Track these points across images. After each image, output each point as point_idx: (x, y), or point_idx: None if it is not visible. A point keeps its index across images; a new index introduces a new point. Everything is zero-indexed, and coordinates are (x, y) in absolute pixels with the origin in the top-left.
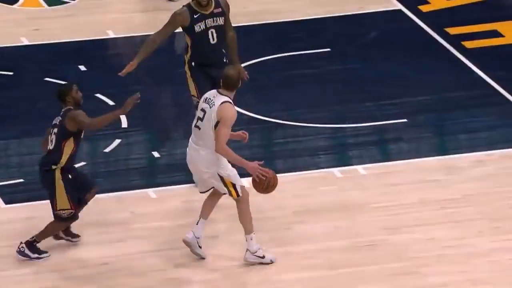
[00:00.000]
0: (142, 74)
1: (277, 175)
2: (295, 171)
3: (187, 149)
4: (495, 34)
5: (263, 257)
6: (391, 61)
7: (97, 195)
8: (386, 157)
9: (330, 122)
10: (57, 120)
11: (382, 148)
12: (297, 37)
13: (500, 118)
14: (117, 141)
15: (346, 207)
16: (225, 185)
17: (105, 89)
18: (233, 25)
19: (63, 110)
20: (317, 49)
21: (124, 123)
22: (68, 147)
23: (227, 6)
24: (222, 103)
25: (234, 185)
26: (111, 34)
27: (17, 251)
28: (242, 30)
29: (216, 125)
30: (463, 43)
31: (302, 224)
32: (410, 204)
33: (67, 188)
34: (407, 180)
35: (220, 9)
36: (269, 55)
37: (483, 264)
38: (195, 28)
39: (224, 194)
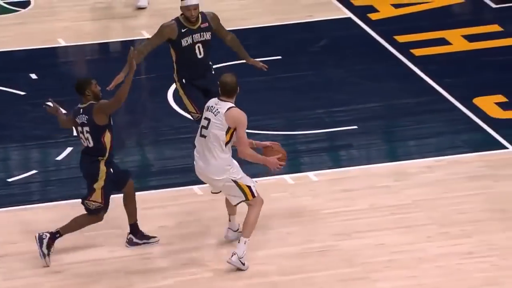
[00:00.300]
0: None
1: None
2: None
3: (194, 162)
4: (443, 42)
5: (243, 264)
6: (342, 68)
7: (50, 203)
8: (337, 163)
9: (282, 129)
10: (83, 119)
11: (333, 154)
12: (249, 44)
13: (448, 124)
14: (69, 149)
15: (298, 213)
16: (240, 188)
17: (56, 97)
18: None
19: (84, 106)
20: (269, 56)
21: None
22: (107, 139)
23: (214, 19)
24: (228, 109)
25: (249, 187)
26: (62, 42)
27: (37, 235)
28: None
29: (227, 131)
30: (411, 50)
31: (254, 230)
32: (360, 210)
33: (106, 183)
34: (358, 186)
35: (207, 24)
36: (222, 63)
37: (431, 269)
38: (182, 42)
39: (237, 204)
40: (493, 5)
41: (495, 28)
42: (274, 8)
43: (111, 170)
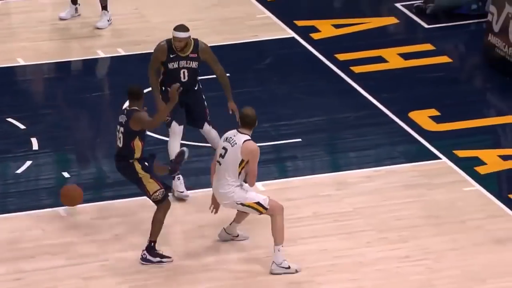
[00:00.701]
0: (52, 98)
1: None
2: (199, 188)
3: (213, 185)
4: (380, 60)
5: (288, 267)
6: (286, 84)
7: (9, 214)
8: (283, 174)
9: None
10: (122, 119)
11: (279, 166)
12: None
13: (386, 137)
14: (28, 163)
15: (246, 221)
16: (250, 207)
17: (16, 113)
18: (135, 52)
19: (128, 108)
20: None
21: (35, 145)
22: (137, 145)
23: (204, 52)
24: (244, 141)
25: (257, 203)
26: (21, 62)
27: (140, 259)
28: (144, 58)
29: (241, 163)
30: (351, 68)
31: (204, 238)
32: (304, 217)
33: (150, 174)
34: (302, 195)
35: (195, 55)
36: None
37: (371, 272)
38: (169, 65)
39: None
40: (426, 26)
41: (428, 47)
42: (221, 28)
43: (146, 163)
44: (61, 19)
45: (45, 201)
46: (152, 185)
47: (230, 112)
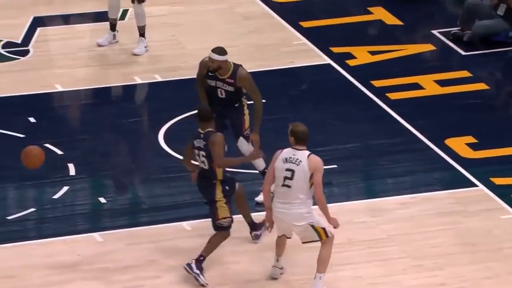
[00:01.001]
0: (89, 123)
1: None
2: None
3: (275, 212)
4: (416, 86)
5: None
6: (320, 110)
7: (46, 239)
8: None
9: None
10: (201, 143)
11: None
12: None
13: (421, 163)
14: (65, 188)
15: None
16: (316, 231)
17: (53, 139)
18: (172, 79)
19: (204, 131)
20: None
21: (72, 171)
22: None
23: (242, 80)
24: (308, 156)
25: (324, 229)
26: (59, 88)
27: (186, 264)
28: (180, 84)
29: (310, 178)
30: (387, 94)
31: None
32: (339, 244)
33: (226, 199)
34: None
35: (232, 81)
36: None
37: None
38: (208, 81)
39: (306, 243)
40: (463, 53)
41: (464, 74)
42: (257, 55)
43: (227, 187)
44: (99, 45)
45: (81, 227)
46: (223, 211)
47: (250, 142)
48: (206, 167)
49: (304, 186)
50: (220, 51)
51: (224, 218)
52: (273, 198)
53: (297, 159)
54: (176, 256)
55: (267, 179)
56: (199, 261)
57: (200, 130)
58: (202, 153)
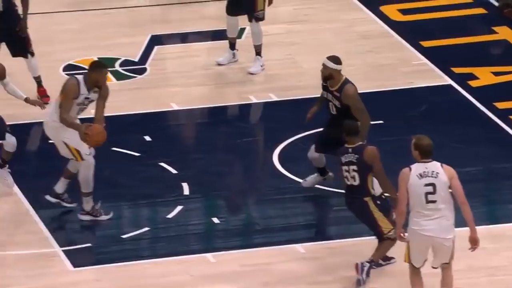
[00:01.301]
0: (204, 143)
1: None
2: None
3: (418, 232)
4: None
5: None
6: (439, 132)
7: (157, 259)
8: None
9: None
10: (351, 157)
11: None
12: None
13: None
14: (179, 208)
15: (388, 270)
16: (450, 248)
17: (168, 157)
18: (287, 98)
19: (353, 146)
20: (371, 121)
21: (186, 190)
22: (370, 179)
23: (348, 97)
24: (441, 165)
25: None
26: (174, 106)
27: (360, 262)
28: (295, 103)
29: (449, 187)
30: (510, 117)
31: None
32: (459, 270)
33: (383, 213)
34: (457, 247)
35: (338, 95)
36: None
37: None
38: (323, 93)
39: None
40: None
41: None
42: (374, 75)
43: (378, 202)
44: (219, 64)
45: (194, 247)
46: (386, 224)
47: None
48: (356, 182)
49: (447, 197)
50: (335, 59)
51: (390, 231)
52: (412, 218)
53: (433, 171)
54: (289, 279)
55: (401, 200)
56: (369, 266)
57: (347, 145)
58: (353, 167)
